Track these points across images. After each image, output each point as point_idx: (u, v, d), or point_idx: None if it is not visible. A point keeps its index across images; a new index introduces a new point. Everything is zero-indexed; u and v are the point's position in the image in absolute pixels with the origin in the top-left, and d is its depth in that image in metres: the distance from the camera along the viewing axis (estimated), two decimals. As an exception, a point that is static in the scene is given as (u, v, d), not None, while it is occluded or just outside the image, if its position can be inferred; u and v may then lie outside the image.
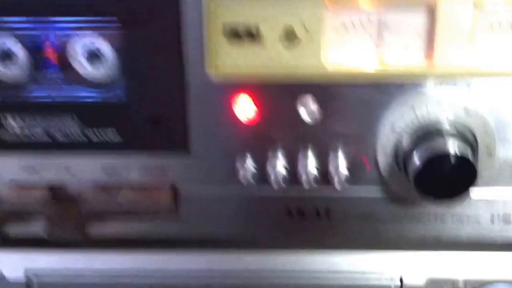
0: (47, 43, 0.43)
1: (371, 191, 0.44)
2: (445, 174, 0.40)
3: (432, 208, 0.45)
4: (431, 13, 0.39)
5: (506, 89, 0.41)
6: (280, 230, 0.46)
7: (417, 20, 0.40)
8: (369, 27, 0.40)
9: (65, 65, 0.43)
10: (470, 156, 0.39)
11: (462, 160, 0.39)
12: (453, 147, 0.39)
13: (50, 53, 0.43)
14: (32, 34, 0.43)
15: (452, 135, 0.40)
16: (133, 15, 0.41)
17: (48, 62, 0.44)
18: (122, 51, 0.42)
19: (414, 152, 0.40)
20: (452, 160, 0.39)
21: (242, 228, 0.46)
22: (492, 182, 0.43)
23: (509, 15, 0.39)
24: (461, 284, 0.46)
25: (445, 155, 0.39)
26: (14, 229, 0.47)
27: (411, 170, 0.40)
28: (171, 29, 0.41)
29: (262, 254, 0.47)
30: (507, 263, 0.46)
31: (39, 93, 0.44)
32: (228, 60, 0.41)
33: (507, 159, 0.43)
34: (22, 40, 0.43)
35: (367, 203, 0.45)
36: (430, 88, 0.41)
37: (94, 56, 0.43)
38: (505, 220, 0.45)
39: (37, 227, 0.46)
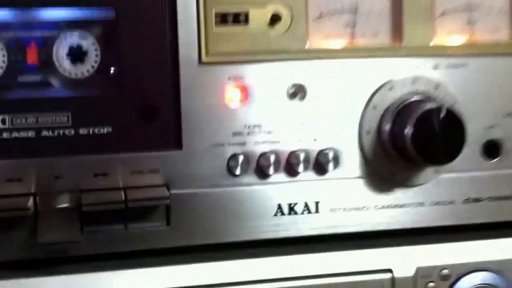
0: (31, 41, 0.43)
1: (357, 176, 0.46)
2: (437, 132, 0.42)
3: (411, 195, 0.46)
4: (397, -3, 0.45)
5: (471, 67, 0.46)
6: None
7: (385, 3, 0.45)
8: (343, 13, 0.45)
9: (47, 63, 0.43)
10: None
11: (451, 113, 0.42)
12: (438, 105, 0.42)
13: (33, 52, 0.43)
14: (15, 30, 0.43)
15: (434, 100, 0.44)
16: (127, 3, 0.42)
17: (30, 61, 0.43)
18: (113, 42, 0.43)
19: (404, 120, 0.43)
20: (443, 113, 0.42)
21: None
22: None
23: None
24: (445, 270, 0.46)
25: (436, 109, 0.42)
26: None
27: (405, 137, 0.42)
28: (165, 18, 0.43)
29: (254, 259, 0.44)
30: (488, 251, 0.47)
31: (22, 94, 0.42)
32: (219, 45, 0.43)
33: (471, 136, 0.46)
34: (3, 37, 0.42)
35: (354, 189, 0.46)
36: (402, 68, 0.45)
37: (78, 52, 0.43)
38: (475, 200, 0.47)
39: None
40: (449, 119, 0.42)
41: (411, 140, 0.42)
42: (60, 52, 0.43)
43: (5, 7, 0.42)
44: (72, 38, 0.43)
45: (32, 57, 0.43)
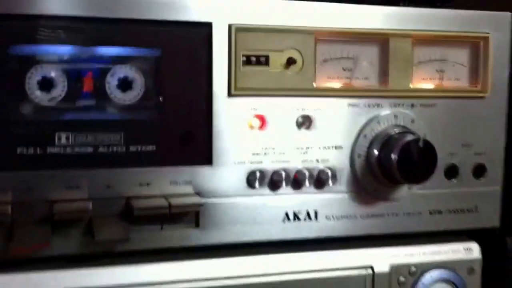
0: (87, 72, 0.51)
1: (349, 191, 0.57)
2: (415, 159, 0.54)
3: (389, 206, 0.58)
4: (385, 48, 0.56)
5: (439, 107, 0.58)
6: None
7: (375, 54, 0.56)
8: (342, 60, 0.56)
9: (100, 91, 0.51)
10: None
11: (427, 143, 0.54)
12: (417, 137, 0.54)
13: (89, 81, 0.51)
14: (75, 63, 0.51)
15: (411, 132, 0.55)
16: (171, 46, 0.51)
17: (86, 89, 0.51)
18: (158, 77, 0.52)
19: (390, 149, 0.54)
20: (421, 144, 0.53)
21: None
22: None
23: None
24: (413, 268, 0.58)
25: (416, 140, 0.54)
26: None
27: (391, 161, 0.54)
28: (203, 59, 0.52)
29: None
30: (445, 253, 0.59)
31: (81, 116, 0.51)
32: (245, 82, 0.53)
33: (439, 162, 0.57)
34: (63, 68, 0.51)
35: (345, 202, 0.56)
36: (387, 106, 0.57)
37: (126, 82, 0.52)
38: (438, 211, 0.59)
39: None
40: (425, 148, 0.54)
41: (396, 164, 0.53)
42: (112, 82, 0.52)
43: (68, 44, 0.51)
44: (122, 71, 0.52)
45: (88, 85, 0.52)
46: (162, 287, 0.52)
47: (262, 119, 0.54)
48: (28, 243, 0.47)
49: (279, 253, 0.55)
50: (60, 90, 0.51)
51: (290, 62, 0.54)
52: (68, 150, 0.50)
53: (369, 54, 0.56)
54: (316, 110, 0.55)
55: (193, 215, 0.53)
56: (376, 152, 0.55)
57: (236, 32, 0.52)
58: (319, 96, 0.55)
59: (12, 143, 0.49)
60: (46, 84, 0.50)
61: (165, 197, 0.52)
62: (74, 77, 0.51)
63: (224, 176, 0.54)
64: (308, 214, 0.56)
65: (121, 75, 0.52)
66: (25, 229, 0.48)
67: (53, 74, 0.50)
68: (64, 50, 0.51)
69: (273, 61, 0.54)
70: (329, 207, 0.56)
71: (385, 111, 0.57)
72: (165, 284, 0.52)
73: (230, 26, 0.52)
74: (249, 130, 0.54)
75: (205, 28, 0.52)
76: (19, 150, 0.49)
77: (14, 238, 0.47)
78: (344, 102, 0.56)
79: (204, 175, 0.53)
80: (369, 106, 0.56)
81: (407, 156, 0.54)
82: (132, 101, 0.52)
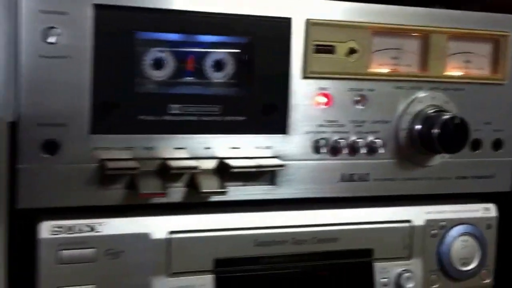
0: (190, 55, 0.63)
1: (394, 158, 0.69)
2: (452, 133, 0.66)
3: (425, 172, 0.71)
4: (425, 41, 0.69)
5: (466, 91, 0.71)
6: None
7: (417, 45, 0.69)
8: (390, 50, 0.68)
9: (199, 70, 0.63)
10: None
11: (462, 120, 0.67)
12: (454, 115, 0.67)
13: (191, 62, 0.63)
14: (181, 47, 0.63)
15: (446, 111, 0.68)
16: (258, 35, 0.63)
17: (189, 68, 0.63)
18: (246, 60, 0.64)
19: (431, 124, 0.67)
20: (457, 120, 0.66)
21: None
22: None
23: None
24: (443, 222, 0.70)
25: (453, 117, 0.66)
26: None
27: (432, 134, 0.66)
28: (283, 46, 0.64)
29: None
30: (468, 211, 0.72)
31: (187, 90, 0.63)
32: (315, 66, 0.65)
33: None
34: (172, 52, 0.62)
35: (390, 167, 0.69)
36: (426, 89, 0.69)
37: (219, 64, 0.64)
38: (463, 177, 0.72)
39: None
40: (461, 124, 0.67)
41: (437, 136, 0.66)
42: (208, 63, 0.64)
43: (176, 33, 0.62)
44: (217, 54, 0.64)
45: (190, 65, 0.63)
46: (245, 232, 0.64)
47: (327, 97, 0.66)
48: (152, 189, 0.59)
49: (337, 208, 0.68)
50: (169, 69, 0.62)
51: (351, 51, 0.66)
52: (177, 118, 0.62)
53: (412, 46, 0.69)
54: (370, 91, 0.68)
55: (269, 174, 0.65)
56: (417, 126, 0.68)
57: (310, 25, 0.64)
58: (372, 79, 0.68)
59: (135, 111, 0.60)
60: (159, 64, 0.62)
61: (252, 158, 0.64)
62: (180, 58, 0.63)
63: (295, 143, 0.66)
64: (360, 176, 0.68)
65: (216, 58, 0.64)
66: (146, 179, 0.60)
67: (164, 56, 0.62)
68: (173, 37, 0.62)
69: (337, 50, 0.66)
70: (378, 171, 0.69)
71: (424, 93, 0.69)
72: (247, 230, 0.64)
73: (307, 21, 0.64)
74: (316, 106, 0.66)
75: (286, 22, 0.64)
76: (140, 117, 0.60)
77: (139, 186, 0.59)
78: (391, 85, 0.68)
79: (281, 141, 0.65)
80: (411, 88, 0.69)
81: (446, 130, 0.66)
82: (225, 79, 0.64)
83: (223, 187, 0.62)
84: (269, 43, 0.64)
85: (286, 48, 0.64)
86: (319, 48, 0.65)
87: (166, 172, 0.61)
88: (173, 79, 0.62)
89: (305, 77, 0.65)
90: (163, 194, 0.60)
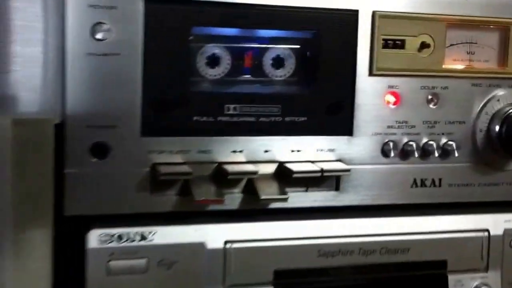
0: (249, 51, 0.59)
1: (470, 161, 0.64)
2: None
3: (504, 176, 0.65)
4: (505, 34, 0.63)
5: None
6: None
7: (495, 39, 0.63)
8: (467, 44, 0.62)
9: (258, 67, 0.59)
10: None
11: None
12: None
13: (249, 58, 0.59)
14: (238, 43, 0.58)
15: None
16: (323, 29, 0.59)
17: (246, 65, 0.59)
18: (309, 56, 0.59)
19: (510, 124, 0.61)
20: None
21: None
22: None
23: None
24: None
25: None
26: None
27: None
28: (350, 41, 0.59)
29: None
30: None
31: (244, 89, 0.58)
32: (384, 62, 0.60)
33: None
34: (229, 48, 0.58)
35: (466, 171, 0.63)
36: (505, 86, 0.63)
37: (279, 60, 0.59)
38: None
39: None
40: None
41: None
42: (267, 59, 0.59)
43: (233, 27, 0.58)
44: (277, 50, 0.59)
45: (248, 62, 0.59)
46: (307, 242, 0.59)
47: (396, 96, 0.61)
48: (209, 195, 0.55)
49: (407, 216, 0.62)
50: (225, 66, 0.58)
51: (423, 46, 0.61)
52: (234, 119, 0.57)
53: (490, 40, 0.63)
54: (444, 89, 0.62)
55: (333, 180, 0.60)
56: (496, 127, 0.62)
57: (378, 18, 0.59)
58: (446, 76, 0.62)
59: (189, 112, 0.56)
60: (214, 61, 0.58)
61: (314, 162, 0.59)
62: (237, 55, 0.59)
63: (362, 145, 0.61)
64: (433, 181, 0.63)
65: (276, 54, 0.59)
66: (202, 185, 0.56)
67: (219, 52, 0.58)
68: (230, 32, 0.58)
69: (408, 44, 0.60)
70: (452, 176, 0.63)
71: (503, 91, 0.63)
72: (310, 239, 0.59)
73: (374, 13, 0.59)
74: (385, 105, 0.61)
75: (353, 15, 0.59)
76: (195, 118, 0.56)
77: (194, 192, 0.55)
78: (467, 82, 0.63)
79: (345, 144, 0.60)
80: (489, 86, 0.63)
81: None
82: (284, 77, 0.59)
83: (284, 193, 0.57)
84: (334, 37, 0.59)
85: (352, 43, 0.59)
86: (388, 42, 0.60)
87: (222, 177, 0.56)
88: (229, 77, 0.58)
89: (373, 74, 0.60)
90: (220, 201, 0.56)
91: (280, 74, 0.60)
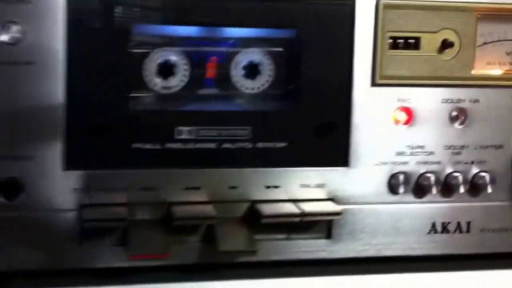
0: (212, 56, 0.45)
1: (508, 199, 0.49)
2: None
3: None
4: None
5: None
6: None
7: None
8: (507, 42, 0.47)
9: (224, 78, 0.45)
10: None
11: None
12: None
13: (212, 66, 0.45)
14: (199, 46, 0.45)
15: None
16: (307, 26, 0.44)
17: (209, 75, 0.45)
18: (291, 62, 0.45)
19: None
20: None
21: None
22: None
23: None
24: None
25: None
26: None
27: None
28: (343, 41, 0.45)
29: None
30: None
31: (204, 107, 0.45)
32: (392, 68, 0.45)
33: None
34: (187, 53, 0.45)
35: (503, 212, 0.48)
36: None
37: (252, 68, 0.45)
38: None
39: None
40: None
41: None
42: (237, 67, 0.46)
43: (192, 25, 0.45)
44: (250, 55, 0.46)
45: (211, 71, 0.46)
46: (289, 305, 0.46)
47: (409, 113, 0.46)
48: (146, 249, 0.42)
49: (424, 271, 0.48)
50: (180, 78, 0.45)
51: (446, 45, 0.46)
52: (189, 145, 0.44)
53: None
54: (474, 103, 0.47)
55: (325, 224, 0.46)
56: (545, 153, 0.47)
57: (383, 9, 0.45)
58: (477, 85, 0.47)
59: (127, 137, 0.43)
60: (166, 70, 0.44)
61: (295, 202, 0.45)
62: (197, 62, 0.45)
63: (362, 179, 0.46)
64: (459, 225, 0.48)
65: (248, 60, 0.45)
66: (141, 233, 0.43)
67: (174, 59, 0.44)
68: (188, 31, 0.45)
69: (424, 44, 0.46)
70: (486, 218, 0.48)
71: (556, 102, 0.48)
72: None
73: (377, 3, 0.45)
74: (393, 125, 0.46)
75: (347, 6, 0.45)
76: (134, 146, 0.43)
77: (130, 243, 0.42)
78: (506, 93, 0.47)
79: (339, 177, 0.46)
80: (533, 96, 0.48)
81: None
82: (260, 90, 0.46)
83: (252, 243, 0.44)
84: (323, 37, 0.45)
85: (347, 43, 0.45)
86: (397, 42, 0.46)
87: (170, 222, 0.43)
88: (186, 91, 0.45)
89: (376, 84, 0.46)
90: (163, 255, 0.42)
91: (254, 86, 0.46)
